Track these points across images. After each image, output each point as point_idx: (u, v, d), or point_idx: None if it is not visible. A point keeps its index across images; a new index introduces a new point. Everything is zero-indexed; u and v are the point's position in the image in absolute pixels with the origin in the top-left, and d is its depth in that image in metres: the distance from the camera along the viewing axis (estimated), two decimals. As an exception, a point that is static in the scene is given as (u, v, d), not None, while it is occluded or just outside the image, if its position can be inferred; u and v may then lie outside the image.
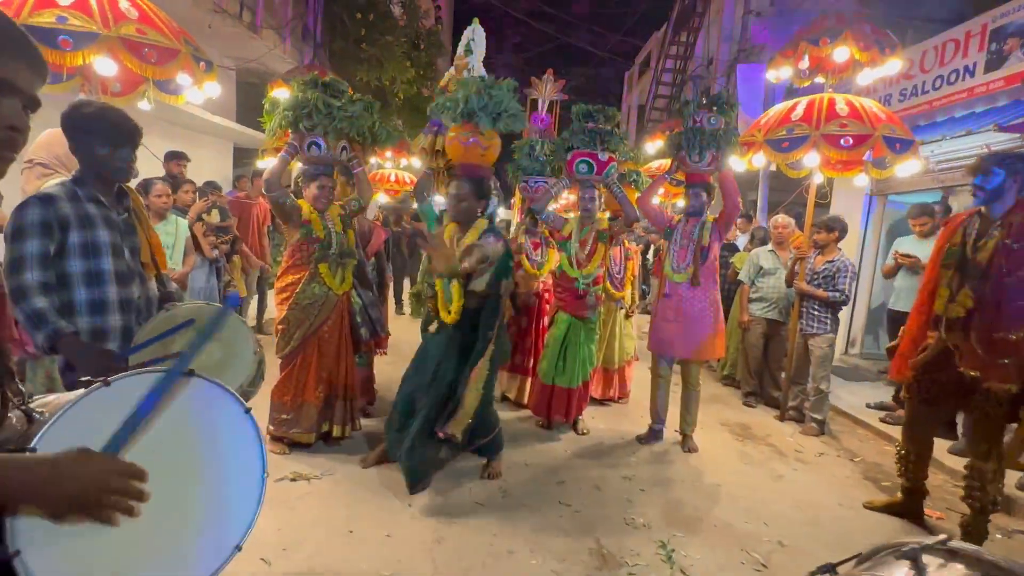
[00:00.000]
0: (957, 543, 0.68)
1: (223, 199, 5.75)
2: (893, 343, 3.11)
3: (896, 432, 4.24)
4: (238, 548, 1.09)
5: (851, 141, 4.02)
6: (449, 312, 3.01)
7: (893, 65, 4.32)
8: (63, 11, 2.87)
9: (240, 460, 1.15)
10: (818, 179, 4.52)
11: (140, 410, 0.65)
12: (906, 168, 4.24)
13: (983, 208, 2.68)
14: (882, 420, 4.65)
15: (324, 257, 3.28)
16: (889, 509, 3.13)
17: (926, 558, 0.67)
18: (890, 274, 4.91)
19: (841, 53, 4.28)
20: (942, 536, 0.70)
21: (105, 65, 3.02)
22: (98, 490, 0.80)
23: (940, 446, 3.17)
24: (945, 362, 2.70)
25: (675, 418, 4.04)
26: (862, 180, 4.68)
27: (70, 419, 0.98)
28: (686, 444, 3.93)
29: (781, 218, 5.13)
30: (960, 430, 4.03)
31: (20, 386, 1.11)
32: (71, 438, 0.93)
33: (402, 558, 2.46)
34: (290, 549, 2.43)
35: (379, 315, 3.77)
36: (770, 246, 5.14)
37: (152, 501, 0.95)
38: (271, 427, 3.32)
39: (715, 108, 3.67)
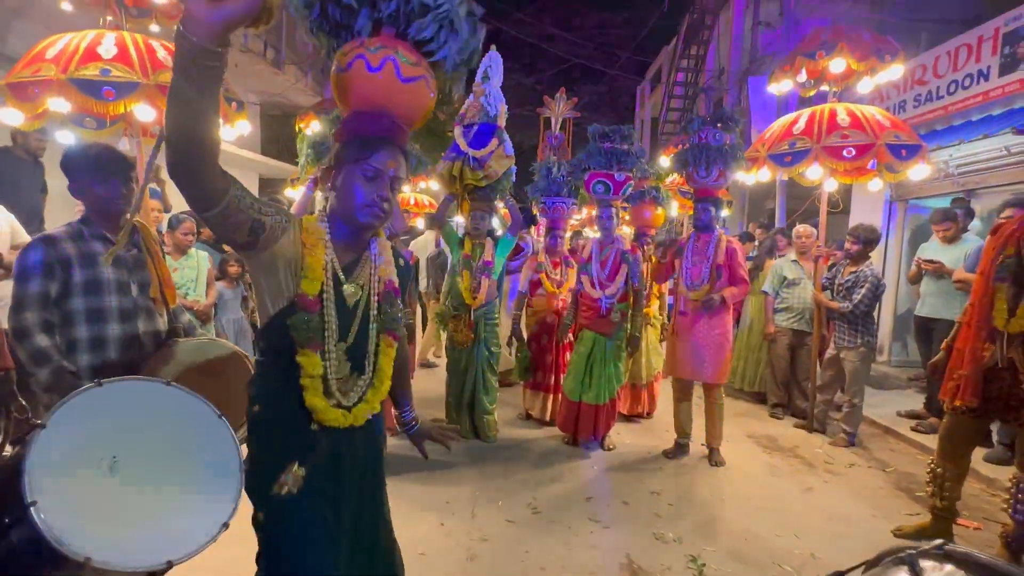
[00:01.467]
0: (951, 546, 0.72)
1: None
2: (936, 358, 2.99)
3: (928, 440, 4.19)
4: (225, 526, 1.27)
5: (853, 152, 4.02)
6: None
7: (895, 71, 4.33)
8: (106, 64, 3.07)
9: (219, 456, 1.35)
10: (831, 187, 4.53)
11: None
12: (916, 172, 4.23)
13: None
14: (913, 429, 4.57)
15: None
16: (919, 534, 3.00)
17: (923, 562, 0.71)
18: (915, 280, 4.86)
19: (838, 64, 4.31)
20: (938, 541, 0.74)
21: (144, 111, 3.21)
22: None
23: (975, 454, 3.07)
24: (996, 375, 2.61)
25: (701, 431, 4.05)
26: (876, 185, 4.65)
27: (72, 407, 1.20)
28: (713, 458, 3.93)
29: (803, 228, 5.12)
30: (995, 437, 3.96)
31: (23, 402, 1.30)
32: (76, 420, 1.18)
33: (437, 576, 2.51)
34: (329, 569, 2.51)
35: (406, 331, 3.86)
36: (793, 256, 5.13)
37: (144, 479, 1.21)
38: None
39: (719, 124, 3.73)
